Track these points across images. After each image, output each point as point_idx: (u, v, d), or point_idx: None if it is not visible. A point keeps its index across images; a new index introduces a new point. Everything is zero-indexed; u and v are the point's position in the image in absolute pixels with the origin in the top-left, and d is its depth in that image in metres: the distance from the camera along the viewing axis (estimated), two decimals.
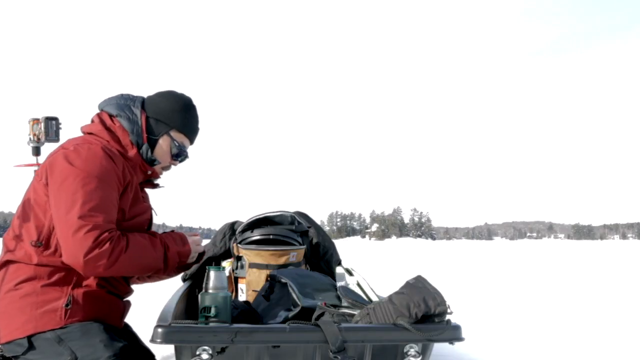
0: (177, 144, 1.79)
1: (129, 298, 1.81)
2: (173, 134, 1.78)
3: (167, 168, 1.86)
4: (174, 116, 1.78)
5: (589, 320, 5.16)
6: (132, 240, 1.54)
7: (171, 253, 1.65)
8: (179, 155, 1.82)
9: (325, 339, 1.36)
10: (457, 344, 1.47)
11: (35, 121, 3.48)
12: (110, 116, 1.71)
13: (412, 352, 1.44)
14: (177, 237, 1.71)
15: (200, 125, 1.90)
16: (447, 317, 1.49)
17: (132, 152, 1.69)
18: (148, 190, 1.88)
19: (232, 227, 2.65)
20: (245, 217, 2.61)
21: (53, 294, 1.51)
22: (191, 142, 1.87)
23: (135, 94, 1.83)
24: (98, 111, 1.76)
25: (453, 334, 1.45)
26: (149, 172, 1.78)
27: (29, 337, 1.46)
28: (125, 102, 1.75)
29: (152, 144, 1.76)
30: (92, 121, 1.74)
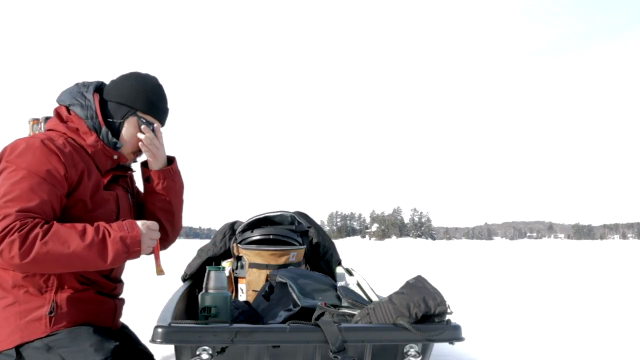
0: (145, 121, 1.70)
1: (122, 296, 1.77)
2: (140, 115, 1.70)
3: (138, 153, 1.76)
4: (138, 97, 1.70)
5: (589, 320, 5.16)
6: (55, 228, 1.39)
7: (113, 239, 1.44)
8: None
9: (325, 339, 1.36)
10: (457, 344, 1.47)
11: (35, 121, 3.47)
12: (67, 108, 1.66)
13: (412, 352, 1.44)
14: (125, 223, 1.51)
15: (170, 105, 1.81)
16: (447, 317, 1.48)
17: (90, 138, 1.62)
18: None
19: (232, 227, 2.65)
20: (245, 217, 2.61)
21: (36, 302, 1.46)
22: (162, 123, 1.77)
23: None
24: (57, 105, 1.71)
25: (453, 334, 1.45)
26: (115, 157, 1.69)
27: (17, 348, 1.43)
28: (78, 90, 1.69)
29: (115, 128, 1.68)
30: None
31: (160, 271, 1.63)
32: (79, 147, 1.61)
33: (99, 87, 1.73)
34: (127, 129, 1.69)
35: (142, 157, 1.80)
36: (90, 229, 1.43)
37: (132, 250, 1.47)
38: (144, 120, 1.70)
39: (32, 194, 1.41)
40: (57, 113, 1.67)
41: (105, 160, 1.66)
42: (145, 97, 1.70)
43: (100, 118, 1.65)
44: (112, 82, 1.73)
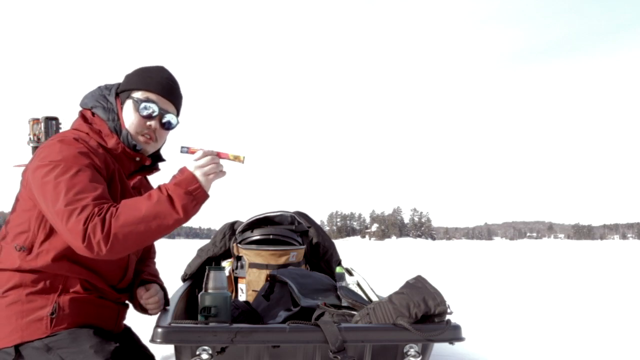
0: (137, 99, 1.62)
1: (126, 301, 1.75)
2: (134, 94, 1.63)
3: (149, 140, 1.66)
4: (132, 79, 1.66)
5: (589, 320, 5.16)
6: (122, 202, 1.42)
7: (171, 188, 1.43)
8: (149, 112, 1.62)
9: (325, 339, 1.36)
10: (457, 344, 1.47)
11: (35, 121, 3.49)
12: (91, 110, 1.64)
13: (412, 352, 1.44)
14: (177, 173, 1.48)
15: (175, 85, 1.71)
16: (447, 317, 1.49)
17: (112, 141, 1.60)
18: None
19: (232, 227, 2.65)
20: (245, 217, 2.61)
21: (39, 302, 1.46)
22: (163, 95, 1.65)
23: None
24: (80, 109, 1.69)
25: (453, 334, 1.45)
26: (137, 159, 1.67)
27: (17, 347, 1.43)
28: (100, 93, 1.67)
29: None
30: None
31: (240, 159, 1.53)
32: (103, 149, 1.60)
33: None
34: (127, 113, 1.63)
35: (153, 147, 1.71)
36: (152, 191, 1.45)
37: (193, 193, 1.43)
38: (138, 99, 1.62)
39: (94, 183, 1.43)
40: (82, 115, 1.65)
41: (127, 162, 1.65)
42: (139, 75, 1.67)
43: (121, 120, 1.63)
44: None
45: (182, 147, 1.51)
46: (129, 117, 1.63)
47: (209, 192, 1.48)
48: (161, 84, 1.66)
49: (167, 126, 1.68)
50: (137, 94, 1.63)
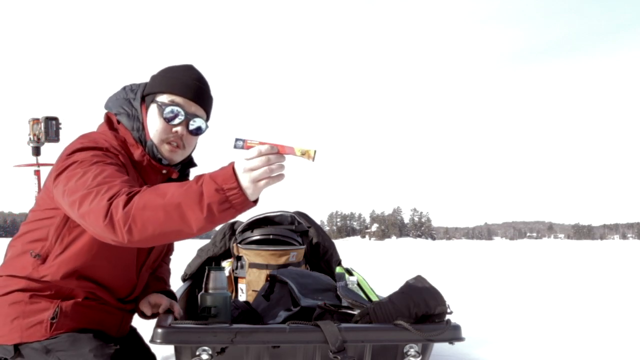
0: (161, 104, 1.50)
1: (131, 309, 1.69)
2: (159, 97, 1.52)
3: (176, 148, 1.53)
4: (157, 81, 1.54)
5: (589, 320, 5.16)
6: (154, 186, 1.23)
7: (206, 180, 1.15)
8: (174, 117, 1.50)
9: (325, 339, 1.36)
10: (457, 344, 1.47)
11: (35, 121, 3.49)
12: (116, 116, 1.54)
13: (412, 352, 1.44)
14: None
15: (204, 86, 1.58)
16: (447, 317, 1.49)
17: (137, 152, 1.50)
18: None
19: (232, 227, 2.65)
20: (245, 217, 2.61)
21: (41, 305, 1.44)
22: (190, 98, 1.52)
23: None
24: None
25: (453, 334, 1.45)
26: (164, 172, 1.55)
27: (16, 346, 1.42)
28: (125, 97, 1.55)
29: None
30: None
31: (309, 155, 1.15)
32: (129, 161, 1.50)
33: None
34: (151, 118, 1.51)
35: (181, 155, 1.57)
36: (192, 179, 1.21)
37: (228, 192, 1.13)
38: (161, 103, 1.50)
39: (121, 173, 1.32)
40: (108, 119, 1.55)
41: (153, 175, 1.54)
42: (163, 76, 1.55)
43: (146, 130, 1.51)
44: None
45: (236, 140, 1.19)
46: (154, 123, 1.51)
47: (255, 199, 1.16)
48: (188, 86, 1.52)
49: (196, 132, 1.55)
50: (162, 98, 1.52)
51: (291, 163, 1.18)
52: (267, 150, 1.13)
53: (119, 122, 1.53)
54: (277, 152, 1.14)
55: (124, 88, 1.59)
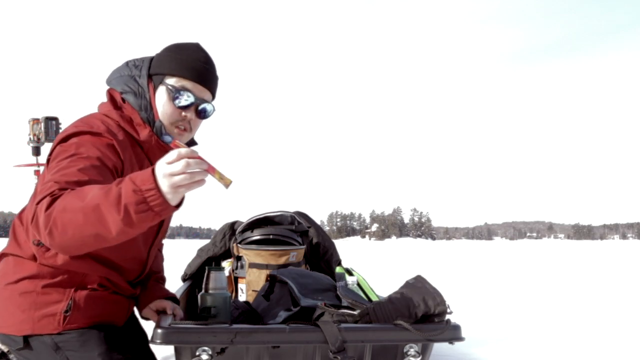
0: (172, 88, 1.49)
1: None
2: (168, 80, 1.51)
3: (184, 131, 1.54)
4: (165, 61, 1.52)
5: (589, 320, 5.16)
6: (82, 187, 1.20)
7: (125, 181, 1.12)
8: (186, 104, 1.50)
9: (325, 339, 1.36)
10: (457, 344, 1.47)
11: (35, 121, 3.49)
12: (121, 94, 1.51)
13: (412, 352, 1.44)
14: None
15: (212, 67, 1.56)
16: (447, 317, 1.49)
17: (144, 132, 1.49)
18: None
19: (232, 227, 2.65)
20: (245, 217, 2.61)
21: (54, 296, 1.43)
22: (199, 82, 1.51)
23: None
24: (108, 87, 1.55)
25: (453, 334, 1.45)
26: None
27: (26, 337, 1.41)
28: (130, 73, 1.53)
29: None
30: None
31: (226, 182, 1.16)
32: (134, 141, 1.49)
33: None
34: (160, 101, 1.51)
35: (187, 137, 1.58)
36: (112, 184, 1.16)
37: (143, 189, 1.09)
38: (171, 87, 1.49)
39: (81, 173, 1.28)
40: (111, 97, 1.53)
41: (160, 155, 1.48)
42: (172, 57, 1.52)
43: (155, 110, 1.50)
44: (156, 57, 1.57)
45: (165, 135, 1.37)
46: (163, 106, 1.50)
47: (176, 203, 1.13)
48: (197, 70, 1.51)
49: (204, 115, 1.55)
50: (171, 81, 1.50)
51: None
52: (187, 153, 1.09)
53: (124, 101, 1.52)
54: (197, 157, 1.11)
55: (127, 63, 1.57)
